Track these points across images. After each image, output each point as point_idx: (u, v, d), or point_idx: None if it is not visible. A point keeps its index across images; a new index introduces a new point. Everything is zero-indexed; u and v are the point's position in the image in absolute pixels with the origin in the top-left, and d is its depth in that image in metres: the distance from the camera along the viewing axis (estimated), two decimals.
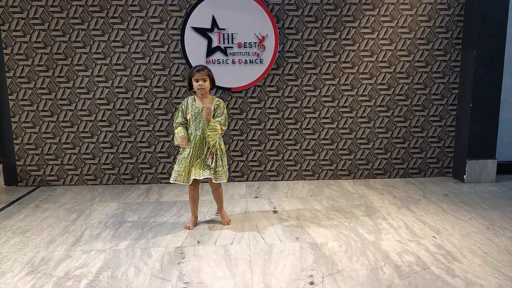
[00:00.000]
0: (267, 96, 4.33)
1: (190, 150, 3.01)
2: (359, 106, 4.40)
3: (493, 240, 2.92)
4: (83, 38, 4.15)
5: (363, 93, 4.38)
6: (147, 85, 4.25)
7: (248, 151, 4.43)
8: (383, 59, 4.33)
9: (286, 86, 4.32)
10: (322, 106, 4.38)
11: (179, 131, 3.02)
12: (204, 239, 2.96)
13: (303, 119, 4.39)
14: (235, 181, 4.47)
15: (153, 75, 4.24)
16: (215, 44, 4.17)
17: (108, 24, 4.14)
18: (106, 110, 4.28)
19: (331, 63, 4.30)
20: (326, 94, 4.36)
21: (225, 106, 3.10)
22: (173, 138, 4.34)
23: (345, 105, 4.39)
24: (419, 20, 4.27)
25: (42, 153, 4.31)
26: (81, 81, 4.22)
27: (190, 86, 3.06)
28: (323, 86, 4.34)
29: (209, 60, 4.19)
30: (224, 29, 4.15)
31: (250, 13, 4.13)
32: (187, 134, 3.05)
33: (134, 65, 4.21)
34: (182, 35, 4.15)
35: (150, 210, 3.60)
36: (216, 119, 3.00)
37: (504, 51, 4.15)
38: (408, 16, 4.26)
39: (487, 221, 3.27)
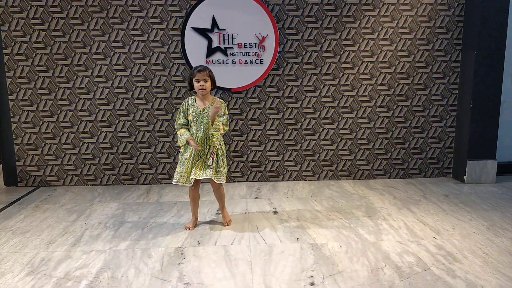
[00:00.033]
0: (267, 97, 4.33)
1: (192, 151, 3.01)
2: (359, 106, 4.40)
3: (493, 241, 2.91)
4: (83, 38, 4.14)
5: (363, 94, 4.38)
6: (147, 85, 4.25)
7: (248, 152, 4.43)
8: (383, 60, 4.32)
9: (286, 87, 4.32)
10: (322, 107, 4.38)
11: (184, 133, 3.01)
12: (204, 240, 2.96)
13: (303, 120, 4.39)
14: (235, 182, 4.47)
15: (153, 75, 4.24)
16: (215, 44, 4.17)
17: (108, 24, 4.13)
18: (106, 111, 4.27)
19: (331, 63, 4.30)
20: (326, 94, 4.36)
21: (226, 107, 3.10)
22: (173, 138, 4.34)
23: (345, 105, 4.39)
24: (419, 20, 4.27)
25: (42, 153, 4.31)
26: (81, 81, 4.21)
27: (191, 87, 3.06)
28: (323, 86, 4.34)
29: (209, 60, 4.18)
30: (224, 29, 4.15)
31: (250, 14, 4.13)
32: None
33: (134, 65, 4.21)
34: (182, 35, 4.14)
35: (150, 210, 3.59)
36: (218, 119, 3.01)
37: (504, 51, 4.15)
38: (408, 16, 4.26)
39: (488, 221, 3.27)
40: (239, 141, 4.39)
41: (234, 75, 4.22)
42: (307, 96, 4.34)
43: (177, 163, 3.12)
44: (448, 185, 4.27)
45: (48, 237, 3.03)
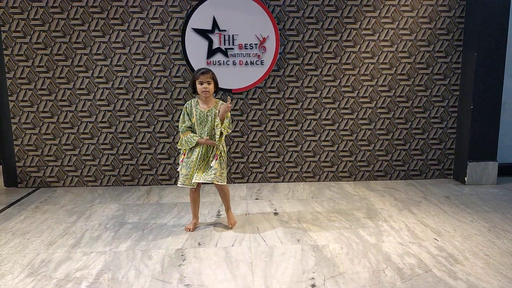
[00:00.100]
0: (267, 98, 4.33)
1: (198, 154, 3.01)
2: (359, 107, 4.39)
3: (495, 243, 2.91)
4: (83, 39, 4.14)
5: (364, 95, 4.37)
6: (147, 86, 4.24)
7: (249, 153, 4.42)
8: (384, 61, 4.32)
9: (287, 88, 4.32)
10: (322, 108, 4.37)
11: (192, 136, 3.01)
12: (205, 241, 2.95)
13: (303, 121, 4.38)
14: (235, 183, 4.46)
15: (153, 76, 4.23)
16: (215, 45, 4.17)
17: (109, 25, 4.13)
18: (106, 111, 4.27)
19: (332, 64, 4.30)
20: (327, 95, 4.35)
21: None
22: (173, 139, 4.33)
23: (345, 106, 4.38)
24: (420, 21, 4.27)
25: (42, 154, 4.30)
26: (82, 82, 4.21)
27: (194, 89, 3.04)
28: (324, 87, 4.34)
29: (210, 61, 4.18)
30: (225, 30, 4.15)
31: (251, 15, 4.12)
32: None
33: (134, 66, 4.21)
34: (182, 36, 4.14)
35: (150, 211, 3.59)
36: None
37: (505, 51, 4.15)
38: (409, 17, 4.26)
39: (489, 223, 3.27)
40: (240, 142, 4.39)
41: (235, 76, 4.21)
42: (307, 97, 4.34)
43: (178, 164, 3.11)
44: (449, 187, 4.26)
45: (48, 238, 3.03)
